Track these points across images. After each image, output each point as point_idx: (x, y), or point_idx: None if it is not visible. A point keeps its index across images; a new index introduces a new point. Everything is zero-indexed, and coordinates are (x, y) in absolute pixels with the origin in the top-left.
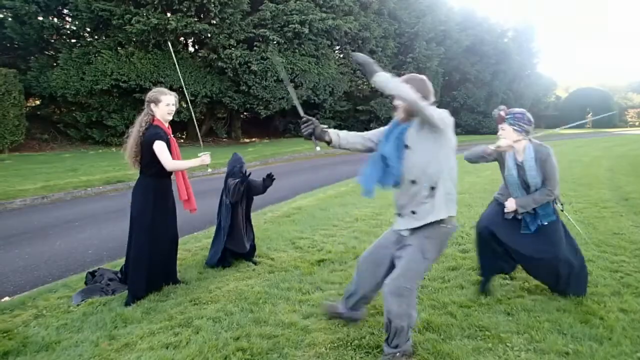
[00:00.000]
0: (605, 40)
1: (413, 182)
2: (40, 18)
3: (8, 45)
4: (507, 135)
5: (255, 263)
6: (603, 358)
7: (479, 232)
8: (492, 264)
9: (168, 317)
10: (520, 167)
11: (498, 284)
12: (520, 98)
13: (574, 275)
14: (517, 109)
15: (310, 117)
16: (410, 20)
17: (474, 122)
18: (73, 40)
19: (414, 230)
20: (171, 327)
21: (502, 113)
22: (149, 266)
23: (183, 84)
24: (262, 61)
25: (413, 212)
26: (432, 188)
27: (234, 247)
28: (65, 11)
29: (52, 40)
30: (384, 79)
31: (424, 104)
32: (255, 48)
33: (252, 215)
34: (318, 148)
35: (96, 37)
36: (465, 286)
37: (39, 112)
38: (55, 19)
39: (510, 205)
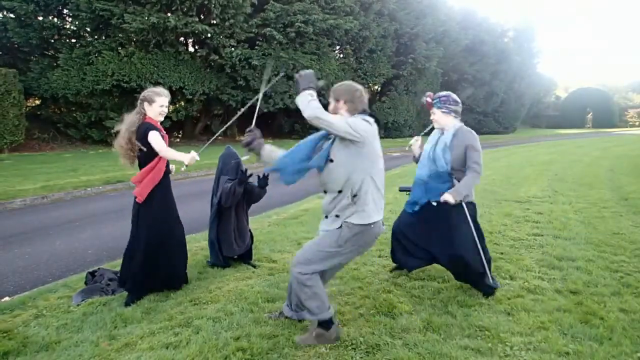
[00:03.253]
0: (606, 39)
1: (339, 191)
2: (40, 18)
3: (8, 45)
4: (437, 119)
5: (254, 267)
6: (603, 358)
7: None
8: None
9: (168, 317)
10: (437, 141)
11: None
12: (521, 98)
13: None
14: (442, 92)
15: (252, 128)
16: (410, 21)
17: (473, 121)
18: (73, 40)
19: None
20: (171, 327)
21: (429, 99)
22: (151, 265)
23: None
24: (264, 57)
25: (337, 216)
26: (354, 195)
27: (226, 252)
28: (66, 11)
29: (52, 41)
30: (300, 100)
31: (330, 120)
32: (256, 47)
33: (256, 218)
34: (247, 157)
35: (96, 37)
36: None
37: (39, 112)
38: (56, 19)
39: (447, 197)
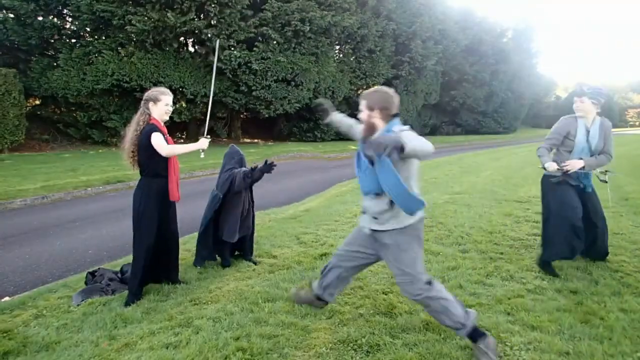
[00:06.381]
0: (606, 39)
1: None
2: (40, 18)
3: (9, 45)
4: (584, 107)
5: (255, 263)
6: (603, 358)
7: (566, 216)
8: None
9: (168, 317)
10: (588, 134)
11: (498, 284)
12: (520, 98)
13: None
14: (596, 85)
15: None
16: (407, 20)
17: (473, 121)
18: (73, 41)
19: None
20: (171, 327)
21: (585, 88)
22: (150, 266)
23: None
24: (263, 61)
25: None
26: (392, 202)
27: (224, 237)
28: (66, 11)
29: (52, 41)
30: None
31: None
32: (255, 48)
33: (257, 214)
34: (202, 155)
35: (96, 37)
36: (465, 286)
37: (39, 112)
38: (56, 19)
39: (578, 164)
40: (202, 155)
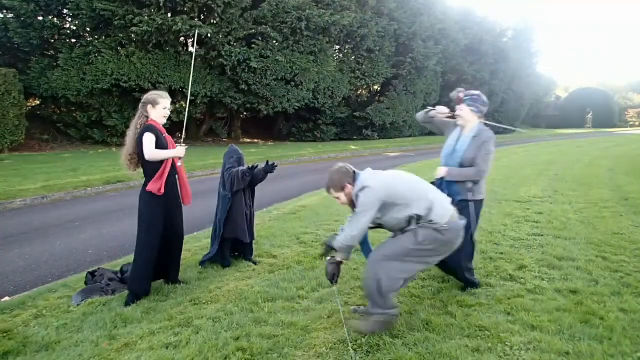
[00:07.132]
0: (606, 39)
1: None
2: (41, 18)
3: (9, 45)
4: (464, 115)
5: (255, 263)
6: (603, 358)
7: None
8: None
9: (168, 317)
10: (458, 140)
11: (498, 284)
12: (520, 98)
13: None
14: (474, 91)
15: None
16: (407, 20)
17: None
18: (73, 40)
19: None
20: (171, 327)
21: (461, 95)
22: (152, 266)
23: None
24: (262, 59)
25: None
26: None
27: (236, 234)
28: (66, 11)
29: (52, 41)
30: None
31: (358, 229)
32: (254, 46)
33: (257, 214)
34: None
35: (96, 37)
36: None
37: (39, 112)
38: (56, 19)
39: (442, 171)
40: (179, 164)
